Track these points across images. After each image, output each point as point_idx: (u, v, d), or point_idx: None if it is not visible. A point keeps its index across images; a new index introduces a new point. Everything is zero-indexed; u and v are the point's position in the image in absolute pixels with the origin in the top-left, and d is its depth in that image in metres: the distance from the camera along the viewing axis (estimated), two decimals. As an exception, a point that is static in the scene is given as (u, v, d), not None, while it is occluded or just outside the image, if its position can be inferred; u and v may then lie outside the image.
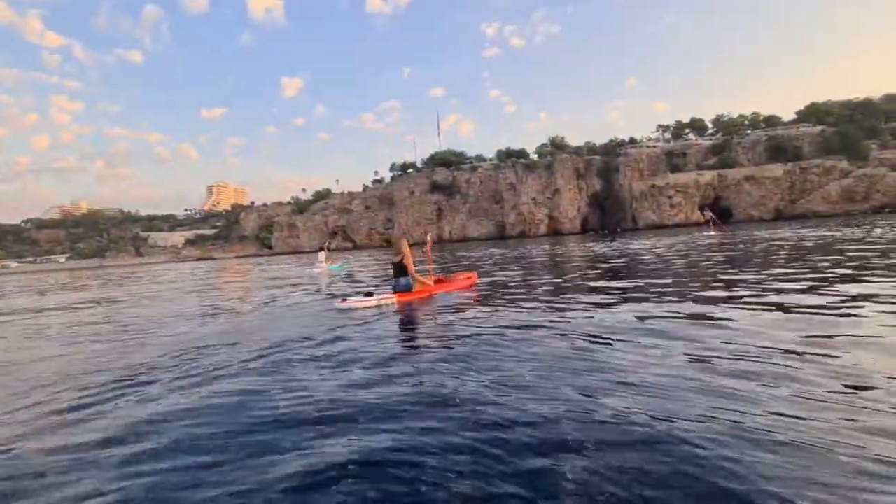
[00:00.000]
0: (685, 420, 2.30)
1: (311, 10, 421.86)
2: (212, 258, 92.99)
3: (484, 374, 3.21)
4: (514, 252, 24.12)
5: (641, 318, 4.87)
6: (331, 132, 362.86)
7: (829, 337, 3.67)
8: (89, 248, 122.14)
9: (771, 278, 7.19)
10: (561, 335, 4.37)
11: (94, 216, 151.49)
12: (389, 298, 7.03)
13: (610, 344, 3.91)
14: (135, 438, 2.52)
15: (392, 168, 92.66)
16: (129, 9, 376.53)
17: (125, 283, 21.91)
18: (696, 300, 5.85)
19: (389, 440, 2.26)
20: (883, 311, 4.38)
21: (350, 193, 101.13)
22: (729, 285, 6.86)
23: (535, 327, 4.80)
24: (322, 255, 21.60)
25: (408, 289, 7.39)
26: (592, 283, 8.49)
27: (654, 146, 75.79)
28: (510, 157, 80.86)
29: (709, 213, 37.46)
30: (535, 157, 79.88)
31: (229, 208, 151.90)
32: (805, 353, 3.27)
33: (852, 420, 2.23)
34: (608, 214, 72.80)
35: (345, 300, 6.89)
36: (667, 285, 7.42)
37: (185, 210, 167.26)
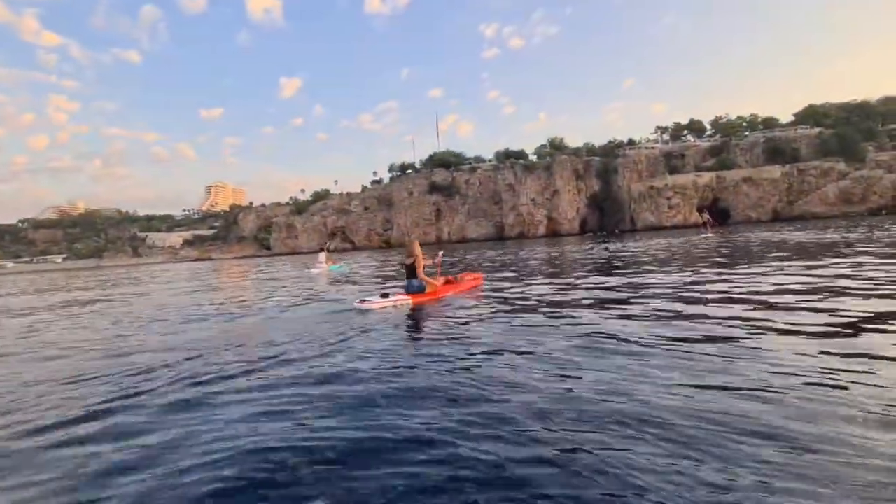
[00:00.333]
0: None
1: (310, 10, 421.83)
2: (210, 259, 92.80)
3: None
4: (512, 255, 24.13)
5: (647, 323, 4.88)
6: (329, 132, 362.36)
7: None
8: (86, 249, 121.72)
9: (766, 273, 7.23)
10: (566, 338, 4.38)
11: (92, 216, 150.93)
12: (405, 299, 7.28)
13: (610, 348, 3.91)
14: (121, 464, 2.33)
15: (391, 169, 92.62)
16: (127, 8, 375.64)
17: (122, 284, 21.85)
18: (690, 301, 5.86)
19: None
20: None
21: (349, 194, 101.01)
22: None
23: (538, 331, 4.82)
24: (322, 256, 21.58)
25: (420, 290, 7.61)
26: (593, 286, 8.51)
27: (652, 147, 75.93)
28: (509, 157, 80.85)
29: (706, 215, 37.64)
30: (534, 158, 79.90)
31: (227, 209, 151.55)
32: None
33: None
34: (607, 215, 72.87)
35: (363, 301, 7.12)
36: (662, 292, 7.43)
37: (184, 210, 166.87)
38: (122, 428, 2.77)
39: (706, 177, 67.20)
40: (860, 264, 8.54)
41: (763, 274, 8.20)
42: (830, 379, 2.86)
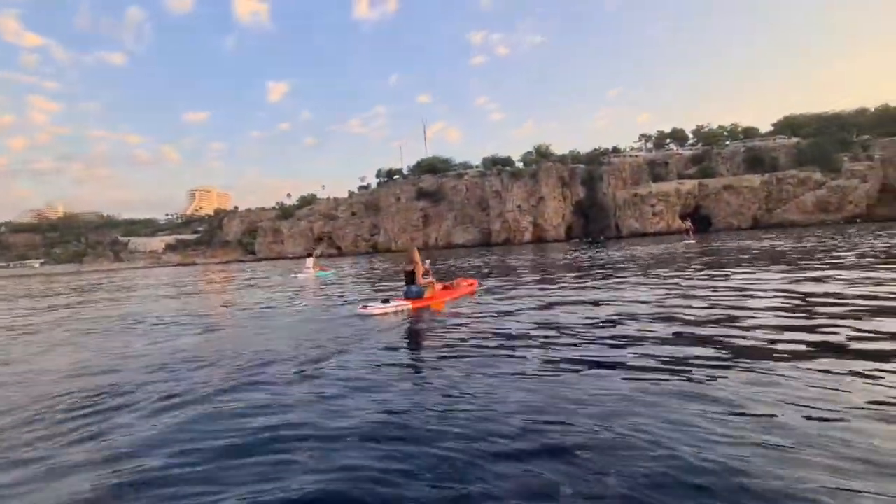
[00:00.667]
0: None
1: (297, 13, 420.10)
2: (193, 263, 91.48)
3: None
4: (499, 261, 24.34)
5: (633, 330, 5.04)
6: (317, 137, 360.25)
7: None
8: (66, 253, 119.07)
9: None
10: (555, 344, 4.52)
11: (72, 220, 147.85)
12: (404, 305, 7.56)
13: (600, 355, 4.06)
14: (96, 479, 2.32)
15: (378, 174, 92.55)
16: (112, 9, 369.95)
17: (100, 290, 21.49)
18: (671, 306, 6.06)
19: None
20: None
21: (336, 199, 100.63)
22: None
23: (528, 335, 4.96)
24: (310, 262, 21.49)
25: (419, 295, 7.89)
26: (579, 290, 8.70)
27: (636, 155, 77.18)
28: (496, 164, 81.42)
29: (688, 223, 38.43)
30: (520, 164, 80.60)
31: (212, 213, 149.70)
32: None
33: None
34: (592, 222, 73.70)
35: (365, 307, 7.38)
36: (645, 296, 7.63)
37: (167, 215, 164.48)
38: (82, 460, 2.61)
39: (688, 184, 68.48)
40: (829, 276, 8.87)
41: (747, 280, 8.48)
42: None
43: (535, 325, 5.56)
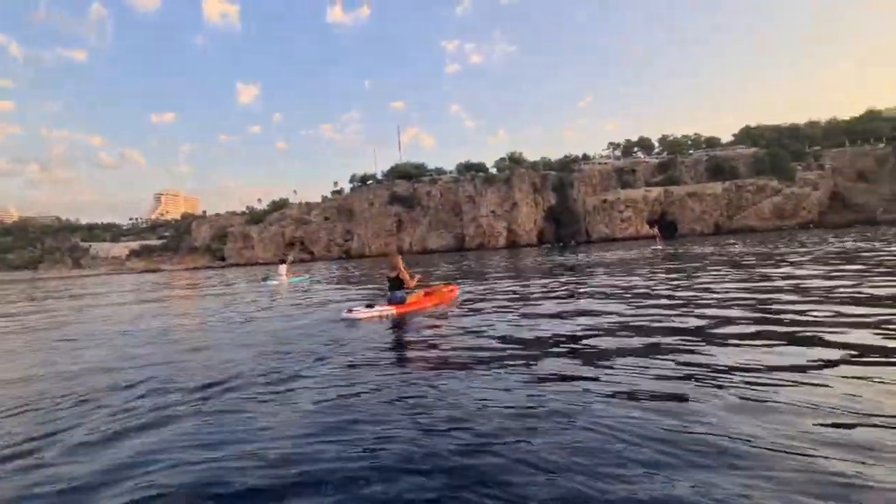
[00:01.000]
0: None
1: (268, 15, 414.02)
2: (159, 270, 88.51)
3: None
4: (476, 266, 24.67)
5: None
6: (289, 142, 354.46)
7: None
8: (20, 259, 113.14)
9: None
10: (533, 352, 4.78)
11: (26, 224, 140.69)
12: (389, 310, 7.71)
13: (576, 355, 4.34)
14: None
15: (352, 179, 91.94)
16: (72, 5, 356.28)
17: (57, 297, 20.70)
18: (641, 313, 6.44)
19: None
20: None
21: (308, 204, 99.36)
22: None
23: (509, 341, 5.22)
24: (283, 268, 21.25)
25: (403, 301, 8.04)
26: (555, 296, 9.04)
27: (605, 163, 79.35)
28: (470, 170, 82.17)
29: (655, 229, 39.82)
30: (493, 171, 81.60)
31: (179, 218, 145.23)
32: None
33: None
34: (563, 227, 75.21)
35: (351, 311, 7.49)
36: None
37: (131, 219, 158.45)
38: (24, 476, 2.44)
39: (655, 191, 70.84)
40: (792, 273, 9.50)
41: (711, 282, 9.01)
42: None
43: (513, 329, 5.81)
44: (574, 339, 4.92)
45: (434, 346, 5.17)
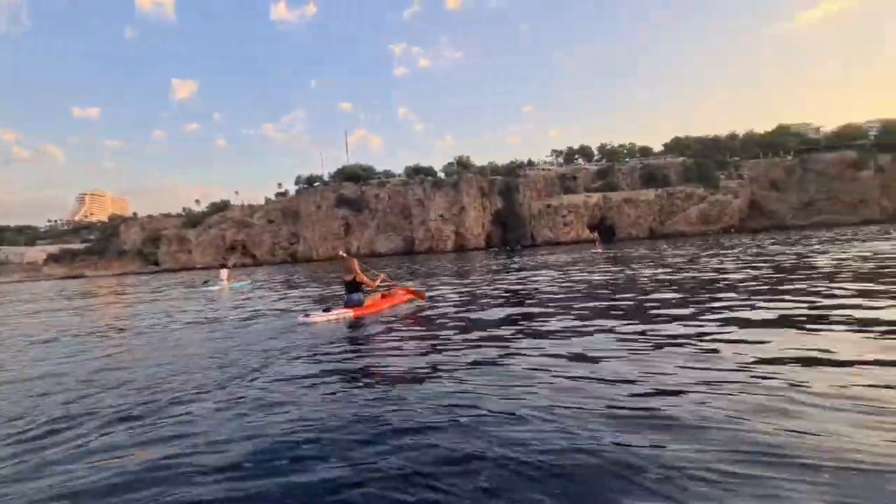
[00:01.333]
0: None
1: (208, 9, 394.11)
2: (82, 276, 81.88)
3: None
4: (425, 269, 24.91)
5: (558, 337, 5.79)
6: (230, 141, 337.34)
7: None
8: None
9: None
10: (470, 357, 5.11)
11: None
12: (346, 313, 7.73)
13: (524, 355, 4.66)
14: None
15: (297, 181, 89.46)
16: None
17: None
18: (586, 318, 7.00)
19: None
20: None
21: (251, 206, 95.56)
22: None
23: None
24: (224, 273, 20.56)
25: (360, 304, 8.08)
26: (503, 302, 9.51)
27: (549, 169, 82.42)
28: (418, 173, 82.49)
29: (595, 233, 41.97)
30: (442, 175, 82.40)
31: (106, 220, 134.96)
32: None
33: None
34: (509, 231, 77.19)
35: (308, 315, 7.47)
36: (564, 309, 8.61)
37: (49, 221, 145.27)
38: None
39: (595, 197, 74.47)
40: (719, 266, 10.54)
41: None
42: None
43: (464, 326, 6.19)
44: (519, 334, 5.34)
45: (388, 349, 5.27)
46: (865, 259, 11.99)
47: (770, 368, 3.53)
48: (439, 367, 4.22)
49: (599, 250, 32.74)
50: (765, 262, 13.57)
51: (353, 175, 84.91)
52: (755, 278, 9.61)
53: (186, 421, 3.13)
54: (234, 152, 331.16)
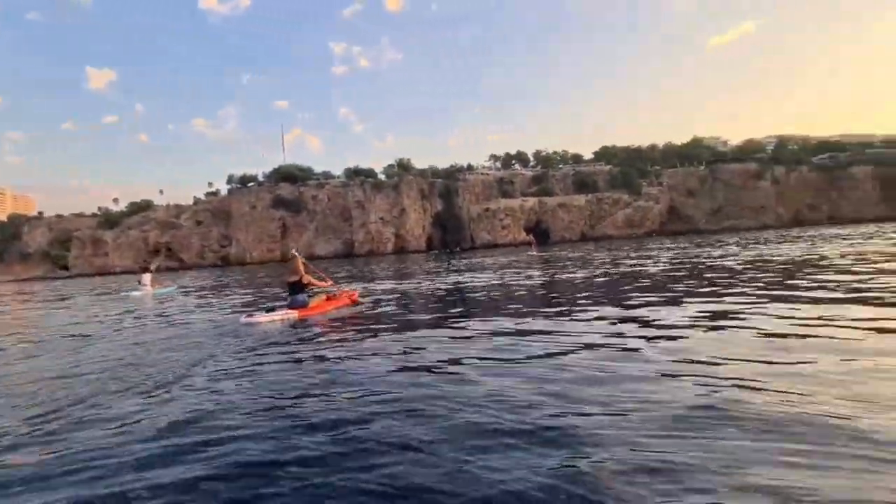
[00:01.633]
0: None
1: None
2: (-25, 282, 72.87)
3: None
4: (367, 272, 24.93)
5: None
6: (153, 135, 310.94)
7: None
8: None
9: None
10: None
11: None
12: (291, 314, 7.65)
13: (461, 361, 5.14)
14: None
15: (230, 180, 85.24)
16: None
17: None
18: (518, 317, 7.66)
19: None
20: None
21: (177, 206, 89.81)
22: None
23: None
24: (147, 278, 19.41)
25: (304, 305, 8.02)
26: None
27: (487, 173, 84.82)
28: (358, 175, 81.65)
29: (531, 236, 44.01)
30: (382, 177, 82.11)
31: (5, 220, 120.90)
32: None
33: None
34: (449, 234, 78.49)
35: (250, 316, 7.36)
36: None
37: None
38: None
39: (531, 202, 77.64)
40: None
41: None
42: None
43: (400, 326, 6.58)
44: (455, 328, 5.88)
45: (328, 349, 5.39)
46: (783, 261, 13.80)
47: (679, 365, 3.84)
48: (373, 366, 4.39)
49: (535, 253, 34.40)
50: (682, 264, 15.10)
51: (291, 175, 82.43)
52: (675, 279, 10.27)
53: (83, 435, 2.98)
54: (159, 147, 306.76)
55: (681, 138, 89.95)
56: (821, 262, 11.60)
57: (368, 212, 76.15)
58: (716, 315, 5.74)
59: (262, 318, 7.31)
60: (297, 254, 8.86)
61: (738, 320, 5.34)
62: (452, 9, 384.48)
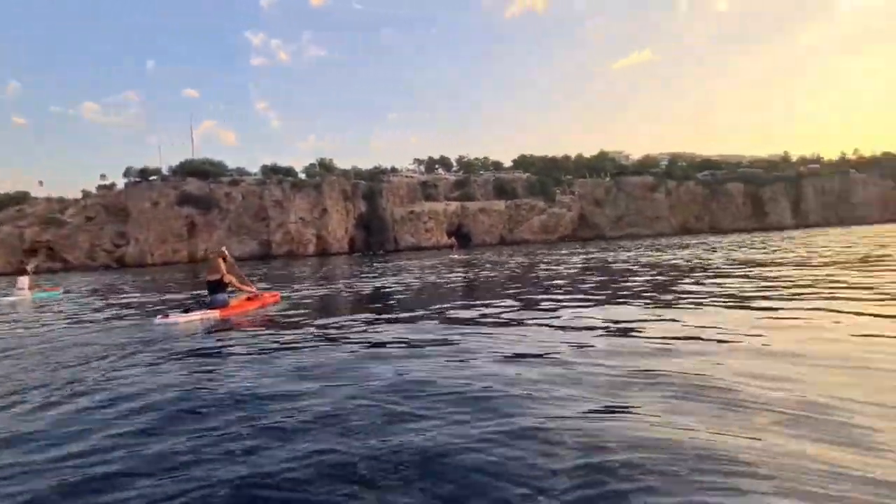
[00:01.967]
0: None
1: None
2: None
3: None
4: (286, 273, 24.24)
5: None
6: (31, 119, 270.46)
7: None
8: None
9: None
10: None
11: None
12: (211, 313, 7.44)
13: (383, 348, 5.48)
14: None
15: (127, 173, 76.89)
16: None
17: None
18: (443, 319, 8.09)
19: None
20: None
21: (62, 200, 79.52)
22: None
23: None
24: (24, 281, 17.33)
25: (225, 304, 7.83)
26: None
27: (411, 176, 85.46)
28: (277, 173, 78.08)
29: (453, 239, 45.25)
30: (303, 176, 79.32)
31: None
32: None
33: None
34: (373, 236, 77.87)
35: (167, 315, 7.03)
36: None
37: None
38: None
39: (453, 205, 79.52)
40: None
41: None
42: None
43: (320, 326, 6.75)
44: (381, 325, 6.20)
45: (253, 347, 5.42)
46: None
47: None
48: (290, 366, 4.40)
49: (456, 255, 35.52)
50: (589, 268, 16.64)
51: (200, 171, 76.59)
52: (581, 281, 11.97)
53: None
54: (38, 133, 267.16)
55: (590, 151, 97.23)
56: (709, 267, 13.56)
57: (288, 211, 73.13)
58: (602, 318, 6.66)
59: (179, 317, 7.05)
60: (226, 252, 8.66)
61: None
62: (374, 6, 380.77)
